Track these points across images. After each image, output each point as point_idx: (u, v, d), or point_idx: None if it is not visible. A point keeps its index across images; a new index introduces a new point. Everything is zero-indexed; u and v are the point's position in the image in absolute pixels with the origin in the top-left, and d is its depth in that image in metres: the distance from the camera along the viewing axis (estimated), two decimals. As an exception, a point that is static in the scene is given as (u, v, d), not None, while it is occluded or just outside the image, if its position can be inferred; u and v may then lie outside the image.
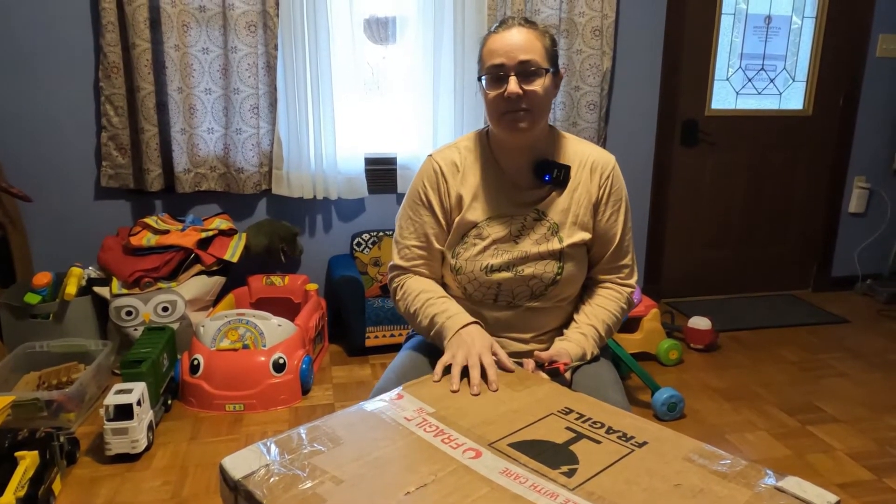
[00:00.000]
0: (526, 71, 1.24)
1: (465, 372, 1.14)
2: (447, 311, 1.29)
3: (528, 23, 1.27)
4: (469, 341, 1.20)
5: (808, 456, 2.09)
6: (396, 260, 1.40)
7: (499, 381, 1.11)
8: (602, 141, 3.17)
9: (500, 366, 1.16)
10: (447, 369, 1.15)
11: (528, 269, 1.32)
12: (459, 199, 1.35)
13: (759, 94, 3.44)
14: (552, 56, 1.29)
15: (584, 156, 1.36)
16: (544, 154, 1.35)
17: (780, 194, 3.59)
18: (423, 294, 1.34)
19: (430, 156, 1.39)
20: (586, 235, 1.34)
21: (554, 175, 1.32)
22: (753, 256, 3.66)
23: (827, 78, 3.46)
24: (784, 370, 2.73)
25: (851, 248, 3.72)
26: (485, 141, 1.38)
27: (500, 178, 1.35)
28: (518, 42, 1.24)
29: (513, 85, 1.23)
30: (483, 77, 1.28)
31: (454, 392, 1.07)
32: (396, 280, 1.41)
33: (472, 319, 1.28)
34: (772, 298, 3.64)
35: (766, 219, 3.61)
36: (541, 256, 1.32)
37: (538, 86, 1.25)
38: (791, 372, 2.72)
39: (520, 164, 1.34)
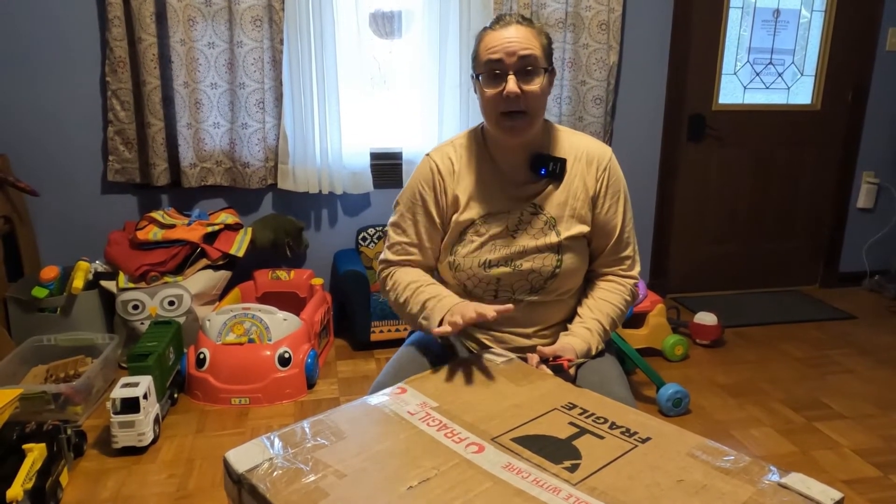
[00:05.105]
0: (525, 69, 1.22)
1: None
2: (438, 296, 1.28)
3: (526, 20, 1.26)
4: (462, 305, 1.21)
5: (813, 452, 2.08)
6: (387, 254, 1.41)
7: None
8: (608, 136, 3.15)
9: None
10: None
11: (526, 264, 1.32)
12: (456, 199, 1.35)
13: (767, 88, 3.42)
14: (549, 54, 1.27)
15: (579, 148, 1.35)
16: (539, 148, 1.34)
17: (788, 189, 3.57)
18: (412, 283, 1.34)
19: (428, 155, 1.39)
20: (584, 228, 1.34)
21: (550, 169, 1.32)
22: (760, 252, 3.64)
23: (836, 72, 3.43)
24: (790, 366, 2.72)
25: (859, 243, 3.70)
26: (480, 138, 1.38)
27: (496, 175, 1.35)
28: (517, 39, 1.22)
29: (511, 84, 1.21)
30: (480, 75, 1.26)
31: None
32: (386, 272, 1.41)
33: (462, 301, 1.26)
34: (779, 294, 3.62)
35: (773, 214, 3.59)
36: (538, 250, 1.32)
37: (536, 85, 1.23)
38: (797, 368, 2.70)
39: (515, 159, 1.34)
